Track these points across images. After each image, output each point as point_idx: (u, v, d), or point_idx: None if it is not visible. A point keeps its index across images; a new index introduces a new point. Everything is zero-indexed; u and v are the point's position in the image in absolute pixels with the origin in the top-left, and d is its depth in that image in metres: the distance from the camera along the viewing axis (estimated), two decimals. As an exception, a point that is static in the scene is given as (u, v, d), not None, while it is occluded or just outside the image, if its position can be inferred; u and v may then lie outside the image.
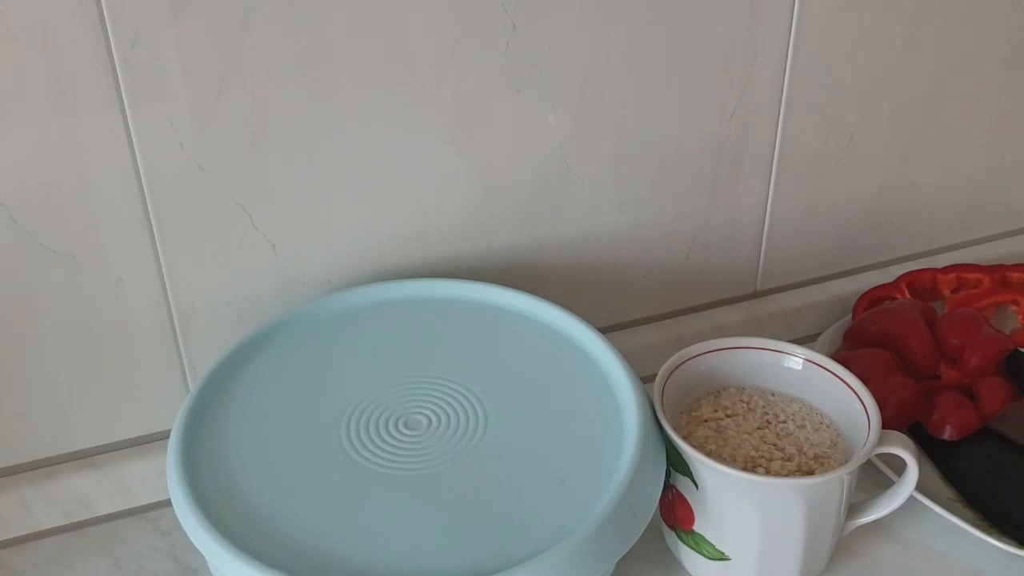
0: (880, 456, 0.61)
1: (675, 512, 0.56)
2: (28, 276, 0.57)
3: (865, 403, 0.55)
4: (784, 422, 0.57)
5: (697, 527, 0.55)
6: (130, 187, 0.57)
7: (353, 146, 0.60)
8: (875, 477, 0.61)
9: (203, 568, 0.58)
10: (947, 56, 0.73)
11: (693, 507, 0.54)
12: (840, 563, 0.58)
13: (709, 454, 0.53)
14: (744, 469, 0.53)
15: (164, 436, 0.57)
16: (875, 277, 0.79)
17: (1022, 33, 0.75)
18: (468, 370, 0.57)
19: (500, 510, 0.49)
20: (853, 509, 0.57)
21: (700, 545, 0.55)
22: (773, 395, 0.59)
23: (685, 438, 0.54)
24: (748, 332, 0.75)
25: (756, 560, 0.54)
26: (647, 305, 0.75)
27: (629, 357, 0.57)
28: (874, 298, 0.76)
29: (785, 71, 0.69)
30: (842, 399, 0.56)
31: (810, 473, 0.54)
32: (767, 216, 0.74)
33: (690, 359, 0.58)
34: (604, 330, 0.66)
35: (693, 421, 0.57)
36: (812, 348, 0.60)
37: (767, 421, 0.57)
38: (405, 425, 0.54)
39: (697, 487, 0.53)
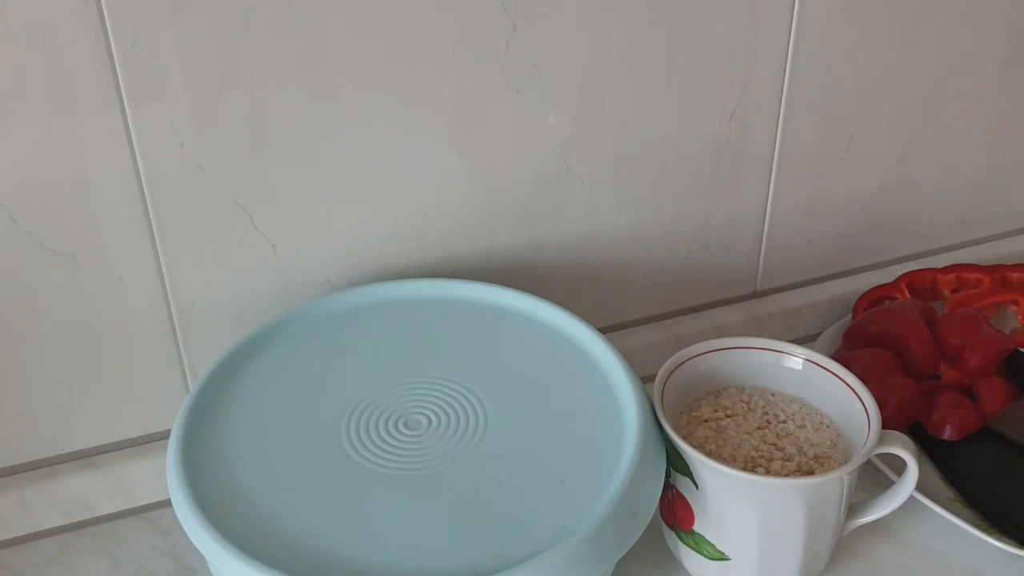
0: (880, 456, 0.61)
1: (675, 512, 0.56)
2: (28, 276, 0.57)
3: (865, 403, 0.55)
4: (784, 422, 0.57)
5: (697, 527, 0.55)
6: (130, 187, 0.57)
7: (353, 146, 0.60)
8: (875, 477, 0.61)
9: (203, 568, 0.58)
10: (947, 56, 0.73)
11: (693, 507, 0.54)
12: (840, 563, 0.58)
13: (709, 454, 0.53)
14: (744, 469, 0.53)
15: (164, 436, 0.57)
16: (875, 277, 0.79)
17: (1022, 33, 0.75)
18: (468, 370, 0.57)
19: (500, 510, 0.49)
20: (853, 509, 0.57)
21: (700, 545, 0.55)
22: (773, 395, 0.59)
23: (685, 438, 0.54)
24: (748, 332, 0.75)
25: (756, 560, 0.54)
26: (647, 305, 0.75)
27: (629, 357, 0.57)
28: (874, 298, 0.76)
29: (785, 71, 0.69)
30: (842, 399, 0.56)
31: (810, 473, 0.54)
32: (767, 216, 0.74)
33: (690, 359, 0.58)
34: (604, 330, 0.66)
35: (693, 421, 0.57)
36: (812, 348, 0.60)
37: (767, 421, 0.57)
38: (405, 425, 0.54)
39: (697, 487, 0.53)
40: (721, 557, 0.55)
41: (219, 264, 0.61)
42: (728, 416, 0.58)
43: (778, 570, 0.55)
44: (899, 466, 0.55)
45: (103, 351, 0.61)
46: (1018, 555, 0.57)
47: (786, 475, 0.53)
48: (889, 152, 0.76)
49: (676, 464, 0.54)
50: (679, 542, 0.57)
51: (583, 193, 0.68)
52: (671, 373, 0.57)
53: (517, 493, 0.50)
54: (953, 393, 0.65)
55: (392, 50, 0.58)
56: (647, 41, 0.64)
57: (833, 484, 0.52)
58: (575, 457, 0.52)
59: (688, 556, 0.57)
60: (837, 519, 0.55)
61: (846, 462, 0.53)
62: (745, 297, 0.78)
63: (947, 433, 0.64)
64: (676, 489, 0.55)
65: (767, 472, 0.54)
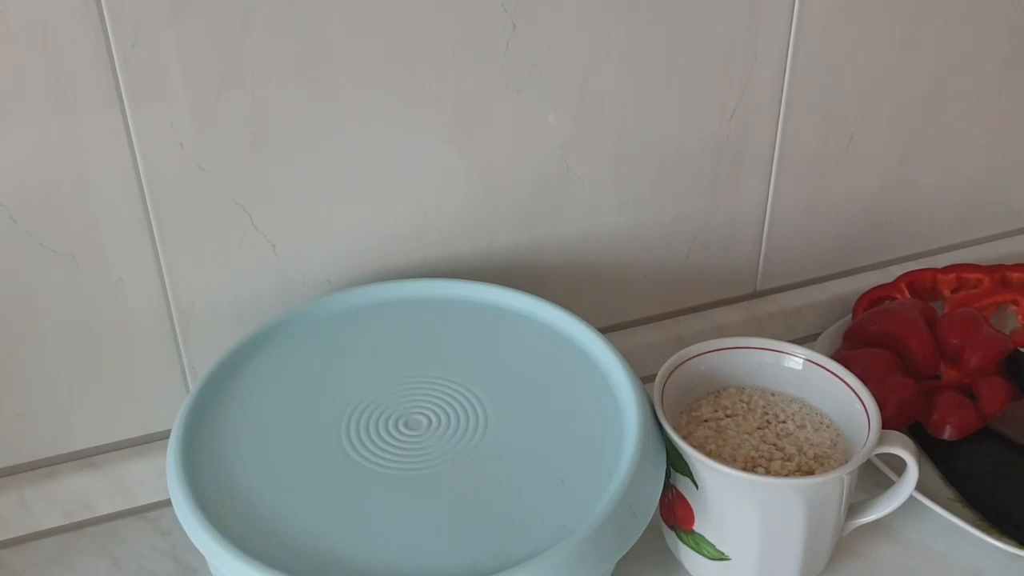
0: (880, 456, 0.61)
1: (675, 512, 0.56)
2: (28, 276, 0.57)
3: (865, 403, 0.55)
4: (784, 422, 0.57)
5: (697, 527, 0.55)
6: (130, 187, 0.57)
7: (353, 146, 0.60)
8: (875, 477, 0.61)
9: (203, 568, 0.58)
10: (947, 56, 0.73)
11: (693, 507, 0.54)
12: (840, 563, 0.58)
13: (709, 454, 0.53)
14: (744, 469, 0.53)
15: (164, 436, 0.57)
16: (875, 277, 0.79)
17: (1022, 33, 0.75)
18: (468, 370, 0.57)
19: (500, 510, 0.49)
20: (853, 509, 0.57)
21: (700, 545, 0.55)
22: (773, 395, 0.59)
23: (685, 438, 0.54)
24: (748, 332, 0.75)
25: (756, 560, 0.54)
26: (647, 305, 0.75)
27: (629, 357, 0.57)
28: (874, 298, 0.76)
29: (785, 71, 0.69)
30: (842, 399, 0.56)
31: (810, 473, 0.54)
32: (767, 216, 0.74)
33: (690, 359, 0.58)
34: (604, 330, 0.66)
35: (693, 421, 0.57)
36: (812, 348, 0.60)
37: (767, 421, 0.57)
38: (405, 425, 0.54)
39: (697, 487, 0.53)
40: (721, 557, 0.55)
41: (219, 264, 0.61)
42: (728, 416, 0.58)
43: (778, 570, 0.55)
44: (899, 466, 0.55)
45: (103, 351, 0.61)
46: (1018, 555, 0.57)
47: (786, 475, 0.53)
48: (889, 152, 0.76)
49: (676, 464, 0.54)
50: (679, 542, 0.57)
51: (583, 193, 0.68)
52: (671, 373, 0.57)
53: (517, 493, 0.50)
54: (953, 393, 0.65)
55: (392, 50, 0.58)
56: (647, 41, 0.64)
57: (833, 484, 0.52)
58: (575, 457, 0.52)
59: (688, 556, 0.57)
60: (837, 519, 0.55)
61: (846, 462, 0.53)
62: (745, 297, 0.78)
63: (947, 433, 0.64)
64: (676, 489, 0.55)
65: (767, 472, 0.54)
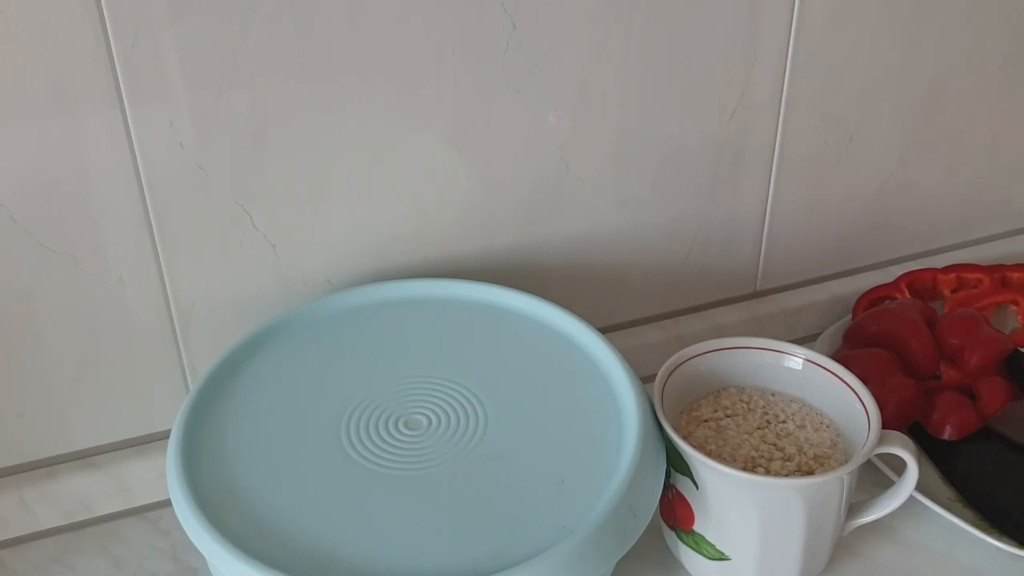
0: (880, 456, 0.61)
1: (675, 512, 0.56)
2: (28, 276, 0.57)
3: (865, 403, 0.55)
4: (784, 422, 0.57)
5: (697, 527, 0.55)
6: (130, 187, 0.57)
7: (353, 146, 0.60)
8: (875, 477, 0.61)
9: (203, 568, 0.58)
10: (947, 56, 0.73)
11: (693, 507, 0.54)
12: (840, 563, 0.58)
13: (709, 454, 0.53)
14: (744, 469, 0.53)
15: (164, 436, 0.57)
16: (875, 277, 0.79)
17: (1022, 33, 0.75)
18: (468, 370, 0.57)
19: (500, 510, 0.49)
20: (853, 509, 0.57)
21: (700, 545, 0.55)
22: (773, 395, 0.59)
23: (685, 438, 0.54)
24: (748, 332, 0.75)
25: (756, 560, 0.54)
26: (647, 305, 0.75)
27: (629, 357, 0.57)
28: (874, 298, 0.76)
29: (785, 71, 0.69)
30: (842, 399, 0.56)
31: (810, 473, 0.54)
32: (767, 216, 0.74)
33: (690, 359, 0.58)
34: (604, 330, 0.66)
35: (693, 421, 0.57)
36: (812, 348, 0.60)
37: (767, 421, 0.57)
38: (405, 425, 0.54)
39: (697, 487, 0.53)
40: (721, 557, 0.55)
41: (219, 264, 0.61)
42: (728, 416, 0.58)
43: (778, 570, 0.55)
44: (899, 466, 0.55)
45: (103, 351, 0.61)
46: (1018, 555, 0.57)
47: (786, 475, 0.53)
48: (889, 152, 0.76)
49: (676, 464, 0.54)
50: (679, 542, 0.57)
51: (583, 193, 0.68)
52: (671, 373, 0.57)
53: (517, 493, 0.50)
54: (953, 393, 0.65)
55: (392, 50, 0.58)
56: (647, 41, 0.64)
57: (833, 484, 0.52)
58: (575, 457, 0.52)
59: (688, 556, 0.57)
60: (837, 519, 0.55)
61: (846, 462, 0.53)
62: (745, 297, 0.78)
63: (947, 433, 0.64)
64: (676, 489, 0.55)
65: (767, 472, 0.54)
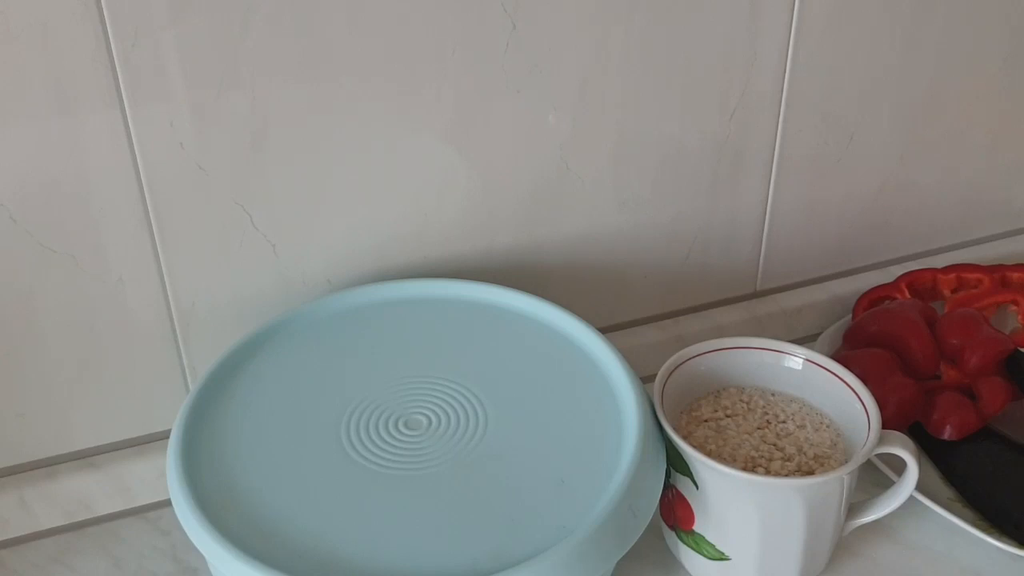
0: (880, 456, 0.61)
1: (675, 512, 0.56)
2: (28, 276, 0.57)
3: (865, 403, 0.55)
4: (784, 422, 0.57)
5: (697, 527, 0.55)
6: (130, 187, 0.57)
7: (353, 146, 0.60)
8: (875, 477, 0.61)
9: (203, 568, 0.58)
10: (947, 56, 0.73)
11: (693, 507, 0.54)
12: (840, 563, 0.58)
13: (709, 454, 0.53)
14: (744, 469, 0.53)
15: (164, 436, 0.57)
16: (875, 277, 0.79)
17: (1022, 33, 0.75)
18: (468, 370, 0.57)
19: (500, 510, 0.49)
20: (853, 509, 0.57)
21: (700, 545, 0.55)
22: (773, 395, 0.59)
23: (685, 438, 0.54)
24: (748, 332, 0.75)
25: (756, 560, 0.54)
26: (647, 305, 0.75)
27: (629, 357, 0.57)
28: (874, 298, 0.76)
29: (785, 71, 0.69)
30: (842, 399, 0.56)
31: (810, 473, 0.54)
32: (767, 216, 0.74)
33: (690, 359, 0.58)
34: (604, 330, 0.66)
35: (693, 421, 0.57)
36: (812, 348, 0.60)
37: (767, 421, 0.57)
38: (405, 425, 0.54)
39: (697, 487, 0.53)
40: (721, 557, 0.55)
41: (219, 264, 0.61)
42: (728, 416, 0.58)
43: (778, 570, 0.55)
44: (899, 466, 0.55)
45: (103, 351, 0.61)
46: (1018, 555, 0.57)
47: (786, 475, 0.53)
48: (889, 152, 0.76)
49: (676, 464, 0.54)
50: (679, 542, 0.57)
51: (583, 193, 0.68)
52: (671, 373, 0.57)
53: (517, 493, 0.50)
54: (953, 393, 0.65)
55: (392, 50, 0.58)
56: (647, 41, 0.64)
57: (833, 484, 0.52)
58: (575, 457, 0.52)
59: (688, 556, 0.57)
60: (837, 519, 0.55)
61: (846, 462, 0.53)
62: (745, 297, 0.78)
63: (947, 433, 0.64)
64: (676, 489, 0.55)
65: (767, 472, 0.54)
